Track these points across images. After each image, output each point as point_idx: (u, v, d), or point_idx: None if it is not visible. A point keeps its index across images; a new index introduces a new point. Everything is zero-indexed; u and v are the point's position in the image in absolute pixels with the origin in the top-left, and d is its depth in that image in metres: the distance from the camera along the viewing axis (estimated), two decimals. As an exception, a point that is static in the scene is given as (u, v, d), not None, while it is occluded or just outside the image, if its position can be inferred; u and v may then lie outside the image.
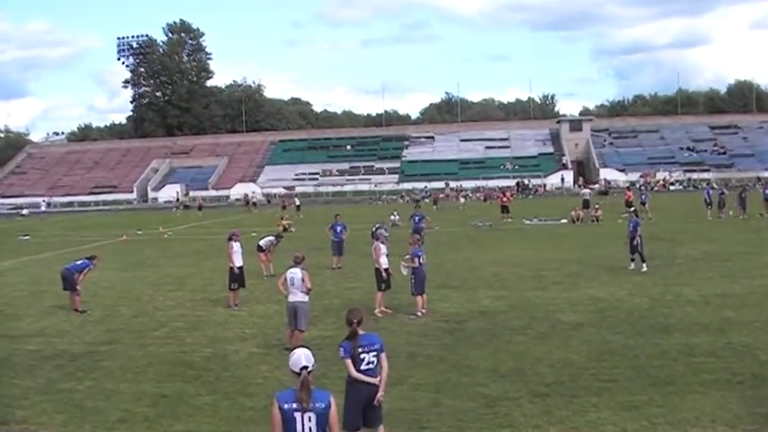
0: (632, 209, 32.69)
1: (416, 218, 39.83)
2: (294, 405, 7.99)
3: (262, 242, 32.40)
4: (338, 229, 34.22)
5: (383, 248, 23.24)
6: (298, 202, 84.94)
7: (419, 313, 21.51)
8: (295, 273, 18.58)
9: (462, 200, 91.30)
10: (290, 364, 8.36)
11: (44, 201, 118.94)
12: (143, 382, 15.74)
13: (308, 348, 8.64)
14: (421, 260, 21.89)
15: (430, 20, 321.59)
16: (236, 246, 25.43)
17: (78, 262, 26.22)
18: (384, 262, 22.95)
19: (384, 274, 22.85)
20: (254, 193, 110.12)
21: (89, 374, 16.57)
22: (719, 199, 53.78)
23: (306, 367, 8.21)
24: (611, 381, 14.50)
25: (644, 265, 28.73)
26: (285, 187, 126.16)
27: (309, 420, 7.99)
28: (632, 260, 29.35)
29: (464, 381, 14.93)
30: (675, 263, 30.75)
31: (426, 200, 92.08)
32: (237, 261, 25.13)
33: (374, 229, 29.71)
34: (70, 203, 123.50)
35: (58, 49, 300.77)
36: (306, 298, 18.59)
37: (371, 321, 18.42)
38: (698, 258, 32.07)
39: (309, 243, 41.79)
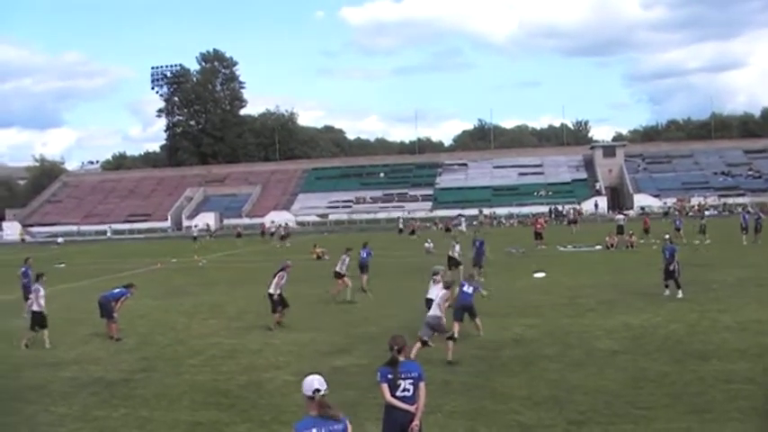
0: (667, 236, 32.44)
1: (477, 243, 39.25)
2: (314, 430, 8.05)
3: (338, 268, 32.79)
4: (364, 254, 34.56)
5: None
6: (283, 232, 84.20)
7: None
8: (437, 291, 20.72)
9: (463, 227, 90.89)
10: (303, 389, 8.41)
11: (109, 227, 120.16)
12: (178, 410, 15.78)
13: (321, 375, 8.60)
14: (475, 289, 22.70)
15: (462, 47, 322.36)
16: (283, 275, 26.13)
17: (116, 290, 26.33)
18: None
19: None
20: (272, 222, 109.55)
21: (124, 402, 16.63)
22: (756, 224, 53.44)
23: (318, 390, 8.28)
24: (647, 408, 14.41)
25: (679, 291, 28.53)
26: (318, 215, 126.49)
27: None
28: (666, 286, 29.19)
29: (499, 408, 14.88)
30: (711, 288, 30.53)
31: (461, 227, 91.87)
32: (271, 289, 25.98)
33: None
34: (103, 232, 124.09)
35: (94, 79, 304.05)
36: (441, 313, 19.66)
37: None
38: (734, 284, 31.85)
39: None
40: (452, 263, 37.14)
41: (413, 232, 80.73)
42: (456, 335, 20.19)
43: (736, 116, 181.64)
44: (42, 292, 24.83)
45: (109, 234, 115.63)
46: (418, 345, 19.17)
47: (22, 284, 34.04)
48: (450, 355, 19.29)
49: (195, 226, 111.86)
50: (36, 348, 23.82)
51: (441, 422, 13.89)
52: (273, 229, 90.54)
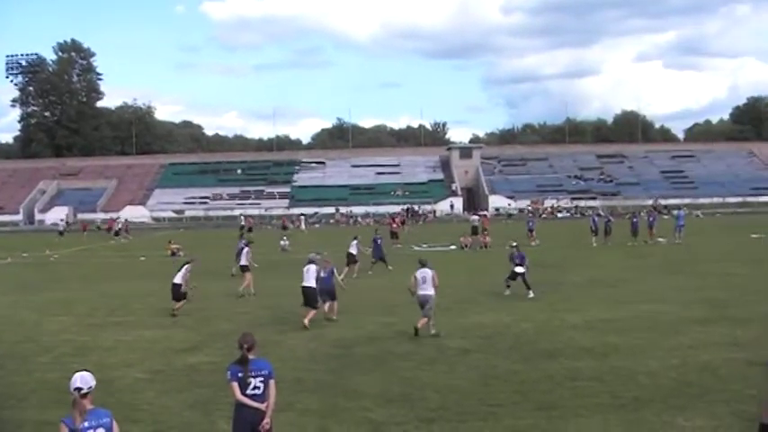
0: (515, 243, 32.98)
1: (378, 240, 42.18)
2: (82, 425, 8.38)
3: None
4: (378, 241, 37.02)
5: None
6: (119, 226, 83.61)
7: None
8: (426, 272, 22.84)
9: (304, 226, 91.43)
10: (69, 385, 8.64)
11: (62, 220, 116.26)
12: (26, 409, 15.45)
13: (89, 372, 8.84)
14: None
15: (324, 46, 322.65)
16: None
17: None
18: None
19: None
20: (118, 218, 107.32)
21: (-30, 401, 16.25)
22: (606, 226, 54.71)
23: (80, 389, 8.51)
24: (496, 405, 14.67)
25: (530, 291, 29.04)
26: (174, 210, 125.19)
27: None
28: (508, 286, 29.84)
29: (351, 406, 14.96)
30: (562, 289, 31.22)
31: (317, 225, 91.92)
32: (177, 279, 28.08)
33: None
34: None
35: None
36: (433, 292, 22.68)
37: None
38: (584, 284, 32.65)
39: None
40: (351, 259, 38.51)
41: (250, 230, 79.76)
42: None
43: (589, 122, 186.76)
44: None
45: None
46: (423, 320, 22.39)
47: None
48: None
49: (61, 220, 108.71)
50: None
51: (293, 420, 13.89)
52: (120, 226, 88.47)
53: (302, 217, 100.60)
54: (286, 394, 14.06)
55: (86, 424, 8.27)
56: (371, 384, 16.55)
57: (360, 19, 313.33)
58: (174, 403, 15.58)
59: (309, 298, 24.88)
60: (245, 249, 34.35)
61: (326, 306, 25.41)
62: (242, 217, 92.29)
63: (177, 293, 27.72)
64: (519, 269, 29.51)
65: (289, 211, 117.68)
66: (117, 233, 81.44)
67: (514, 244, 32.52)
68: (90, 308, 29.83)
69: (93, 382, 8.65)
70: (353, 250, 37.87)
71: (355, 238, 39.24)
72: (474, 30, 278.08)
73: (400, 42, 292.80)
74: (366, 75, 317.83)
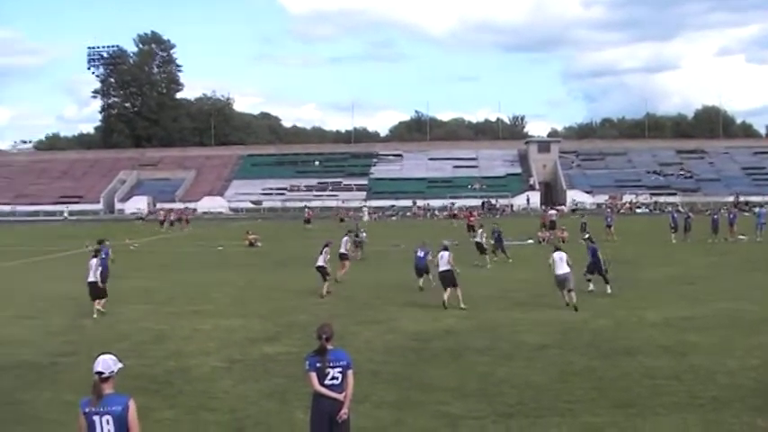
0: (587, 235, 32.75)
1: (496, 234, 43.30)
2: (93, 408, 8.33)
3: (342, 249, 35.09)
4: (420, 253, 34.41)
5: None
6: (172, 216, 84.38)
7: None
8: (562, 255, 26.20)
9: (367, 218, 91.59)
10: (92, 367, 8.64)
11: (66, 208, 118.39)
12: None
13: (113, 355, 8.83)
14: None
15: (399, 39, 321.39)
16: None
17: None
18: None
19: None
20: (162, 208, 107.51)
21: (50, 386, 16.47)
22: (685, 223, 54.00)
23: (100, 373, 8.50)
24: (574, 402, 14.53)
25: (608, 287, 28.72)
26: (252, 201, 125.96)
27: (108, 423, 8.29)
28: (588, 280, 29.20)
29: (427, 399, 14.92)
30: (640, 285, 30.84)
31: (394, 217, 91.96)
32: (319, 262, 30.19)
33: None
34: (35, 213, 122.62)
35: (29, 57, 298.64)
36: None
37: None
38: (662, 281, 32.23)
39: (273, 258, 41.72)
40: (480, 249, 40.37)
41: (308, 222, 79.62)
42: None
43: (669, 117, 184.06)
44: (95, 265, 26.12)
45: (65, 215, 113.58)
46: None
47: None
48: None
49: (161, 210, 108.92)
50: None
51: (369, 412, 13.87)
52: (173, 216, 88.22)
53: (365, 209, 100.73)
54: (362, 386, 14.05)
55: (94, 409, 8.29)
56: (448, 378, 16.48)
57: (436, 12, 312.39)
58: (251, 392, 15.65)
59: (447, 280, 26.60)
60: (345, 238, 35.53)
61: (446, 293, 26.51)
62: (306, 209, 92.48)
63: (324, 274, 29.81)
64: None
65: (365, 203, 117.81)
66: (172, 224, 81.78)
67: (587, 236, 32.35)
68: (168, 296, 30.14)
69: (115, 367, 8.65)
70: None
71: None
72: (553, 23, 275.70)
73: (478, 36, 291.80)
74: (444, 68, 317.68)
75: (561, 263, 25.95)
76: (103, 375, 8.45)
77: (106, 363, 8.56)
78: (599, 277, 28.99)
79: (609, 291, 28.41)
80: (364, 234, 43.07)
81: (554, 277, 26.29)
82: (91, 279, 26.02)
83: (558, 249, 27.04)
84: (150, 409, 14.47)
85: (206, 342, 21.01)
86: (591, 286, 28.74)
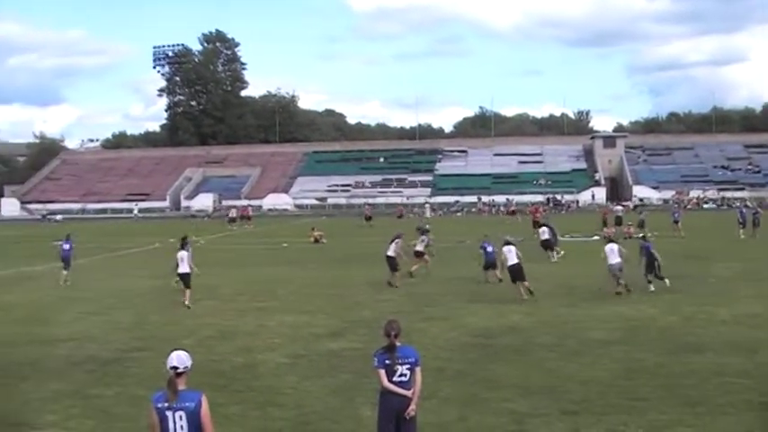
0: (641, 234, 32.50)
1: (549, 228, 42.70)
2: (166, 404, 8.35)
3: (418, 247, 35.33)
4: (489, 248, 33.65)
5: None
6: (233, 214, 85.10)
7: None
8: (613, 247, 28.22)
9: (428, 214, 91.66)
10: (166, 363, 8.69)
11: (136, 206, 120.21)
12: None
13: (186, 352, 8.90)
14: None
15: (464, 34, 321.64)
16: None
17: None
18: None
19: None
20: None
21: (118, 381, 16.67)
22: (754, 218, 53.38)
23: (175, 368, 8.56)
24: (641, 399, 14.41)
25: (666, 280, 28.27)
26: (317, 198, 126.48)
27: (180, 419, 8.30)
28: (650, 281, 28.51)
29: (492, 396, 14.88)
30: (708, 282, 30.52)
31: (459, 213, 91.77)
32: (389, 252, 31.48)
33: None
34: (103, 210, 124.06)
35: (96, 56, 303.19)
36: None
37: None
38: (731, 278, 31.85)
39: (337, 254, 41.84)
40: (545, 245, 40.87)
41: (369, 218, 79.57)
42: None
43: (737, 110, 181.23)
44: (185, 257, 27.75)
45: (136, 213, 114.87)
46: None
47: (63, 257, 35.10)
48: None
49: (230, 207, 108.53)
50: (38, 324, 23.90)
51: (434, 408, 13.85)
52: (234, 213, 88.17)
53: (427, 205, 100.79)
54: (428, 382, 14.00)
55: (167, 404, 8.32)
56: (513, 375, 16.42)
57: (501, 7, 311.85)
58: (317, 388, 15.71)
59: (518, 273, 27.55)
60: (423, 237, 35.71)
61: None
62: (366, 206, 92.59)
63: (393, 265, 31.03)
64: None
65: (430, 199, 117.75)
66: (233, 221, 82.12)
67: (641, 235, 32.12)
68: (234, 292, 30.37)
69: (188, 362, 8.72)
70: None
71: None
72: (617, 17, 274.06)
73: (542, 30, 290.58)
74: (508, 63, 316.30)
75: (613, 254, 27.73)
76: (178, 371, 8.52)
77: (180, 358, 8.64)
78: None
79: (668, 283, 28.02)
80: (428, 227, 42.63)
81: (607, 267, 27.94)
82: (182, 270, 27.49)
83: (611, 241, 29.23)
84: (218, 405, 14.55)
85: (272, 338, 21.14)
86: (651, 287, 28.23)
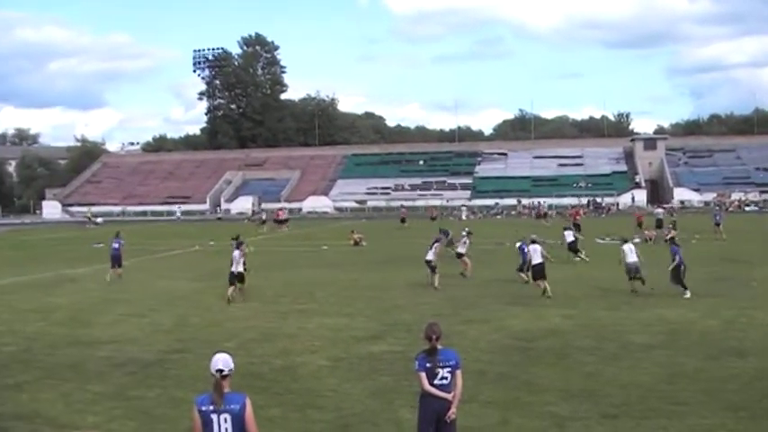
0: (669, 235, 32.33)
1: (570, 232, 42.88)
2: (211, 407, 8.38)
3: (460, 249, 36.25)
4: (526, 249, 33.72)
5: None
6: (264, 217, 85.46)
7: None
8: (536, 248, 29.05)
9: (465, 216, 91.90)
10: (210, 366, 8.70)
11: (179, 208, 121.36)
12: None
13: (229, 354, 8.89)
14: None
15: (504, 37, 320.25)
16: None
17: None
18: None
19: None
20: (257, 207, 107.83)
21: (159, 382, 16.80)
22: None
23: (221, 371, 8.56)
24: (681, 404, 14.34)
25: (687, 292, 27.48)
26: (357, 201, 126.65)
27: (225, 421, 8.33)
28: (685, 288, 27.70)
29: (533, 399, 14.87)
30: (749, 285, 30.28)
31: (499, 216, 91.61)
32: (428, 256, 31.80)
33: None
34: (144, 212, 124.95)
35: (137, 61, 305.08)
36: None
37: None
38: (772, 281, 31.59)
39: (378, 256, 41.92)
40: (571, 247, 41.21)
41: (403, 220, 79.41)
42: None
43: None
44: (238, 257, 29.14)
45: (178, 215, 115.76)
46: None
47: (112, 255, 36.38)
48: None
49: (263, 210, 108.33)
50: (79, 326, 24.10)
51: (475, 412, 13.86)
52: (264, 216, 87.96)
53: (463, 207, 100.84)
54: (469, 385, 14.00)
55: (212, 407, 8.36)
56: (553, 378, 16.40)
57: (540, 9, 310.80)
58: (357, 391, 15.76)
59: (538, 273, 28.81)
60: (464, 239, 36.10)
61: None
62: (402, 208, 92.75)
63: (432, 268, 31.36)
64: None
65: (469, 202, 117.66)
66: (263, 222, 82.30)
67: (669, 237, 32.06)
68: (274, 295, 30.44)
69: (232, 365, 8.75)
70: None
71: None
72: (658, 18, 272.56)
73: (582, 32, 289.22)
74: (547, 65, 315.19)
75: (631, 253, 29.17)
76: (224, 373, 8.54)
77: (226, 361, 8.67)
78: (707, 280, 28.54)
79: (687, 295, 27.28)
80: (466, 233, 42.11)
81: (624, 266, 29.23)
82: (234, 269, 28.66)
83: (626, 242, 30.47)
84: (259, 407, 14.55)
85: (312, 340, 21.19)
86: (687, 293, 27.59)
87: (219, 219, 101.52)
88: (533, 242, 29.63)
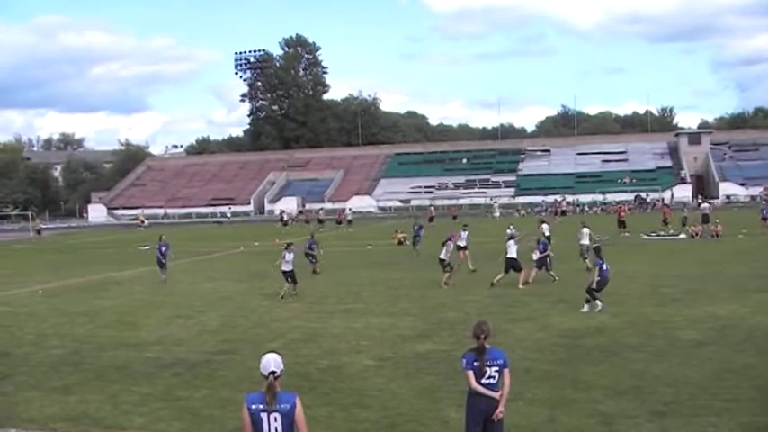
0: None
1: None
2: (261, 406, 8.39)
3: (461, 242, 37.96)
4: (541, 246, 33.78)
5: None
6: (322, 216, 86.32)
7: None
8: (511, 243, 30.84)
9: (497, 214, 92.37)
10: (260, 367, 8.65)
11: (229, 209, 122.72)
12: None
13: (279, 354, 8.82)
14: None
15: (546, 33, 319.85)
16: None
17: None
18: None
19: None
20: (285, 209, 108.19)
21: (206, 383, 16.85)
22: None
23: (273, 372, 8.55)
24: (731, 401, 14.18)
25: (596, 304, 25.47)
26: (401, 200, 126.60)
27: (275, 420, 8.37)
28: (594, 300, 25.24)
29: (581, 397, 14.77)
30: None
31: (543, 213, 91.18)
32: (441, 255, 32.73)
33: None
34: (188, 215, 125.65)
35: (179, 64, 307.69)
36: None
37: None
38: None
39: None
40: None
41: (431, 219, 78.92)
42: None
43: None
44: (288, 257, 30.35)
45: (229, 216, 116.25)
46: None
47: (158, 258, 37.04)
48: None
49: (282, 211, 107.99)
50: (126, 328, 24.26)
51: (522, 410, 13.80)
52: (290, 217, 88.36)
53: (495, 205, 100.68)
54: (516, 383, 13.94)
55: (262, 406, 8.37)
56: (601, 376, 16.28)
57: (582, 5, 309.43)
58: (403, 390, 15.72)
59: (513, 267, 30.74)
60: (510, 242, 34.83)
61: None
62: (430, 207, 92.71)
63: (444, 266, 32.29)
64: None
65: (514, 199, 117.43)
66: (285, 224, 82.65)
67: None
68: (319, 295, 30.50)
69: (283, 365, 8.73)
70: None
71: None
72: (701, 11, 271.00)
73: (624, 27, 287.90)
74: (590, 61, 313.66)
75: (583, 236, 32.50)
76: (276, 374, 8.54)
77: (277, 362, 8.65)
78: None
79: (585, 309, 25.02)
80: (514, 230, 41.69)
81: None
82: (285, 268, 30.15)
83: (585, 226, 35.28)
84: (306, 407, 14.50)
85: (358, 340, 21.20)
86: (586, 308, 24.85)
87: (292, 220, 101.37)
88: (511, 238, 31.94)
